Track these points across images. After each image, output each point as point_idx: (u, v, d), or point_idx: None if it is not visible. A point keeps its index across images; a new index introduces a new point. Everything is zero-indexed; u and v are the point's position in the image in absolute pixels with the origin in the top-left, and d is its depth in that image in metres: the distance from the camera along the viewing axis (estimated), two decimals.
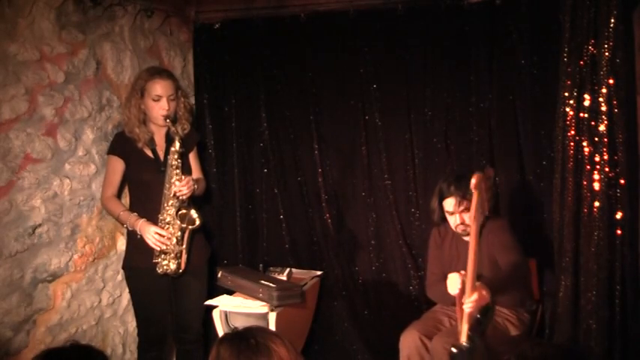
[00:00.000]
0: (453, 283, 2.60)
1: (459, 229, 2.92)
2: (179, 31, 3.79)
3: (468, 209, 2.77)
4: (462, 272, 2.55)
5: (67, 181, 3.00)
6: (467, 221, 2.84)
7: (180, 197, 3.04)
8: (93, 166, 3.14)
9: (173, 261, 3.06)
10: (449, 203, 2.91)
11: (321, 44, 3.62)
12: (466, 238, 2.90)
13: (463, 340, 2.46)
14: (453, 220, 2.93)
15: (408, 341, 2.87)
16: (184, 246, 3.08)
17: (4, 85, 2.71)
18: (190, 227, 3.08)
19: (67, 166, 3.01)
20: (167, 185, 3.04)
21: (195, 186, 3.13)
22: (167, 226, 3.04)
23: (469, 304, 2.44)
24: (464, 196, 2.82)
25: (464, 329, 2.48)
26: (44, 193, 2.88)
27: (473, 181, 2.45)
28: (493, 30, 3.30)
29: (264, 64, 3.71)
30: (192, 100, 3.72)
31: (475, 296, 2.44)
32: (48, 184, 2.91)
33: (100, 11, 3.19)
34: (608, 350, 2.51)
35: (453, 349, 2.47)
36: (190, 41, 3.84)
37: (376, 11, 3.47)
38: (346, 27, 3.53)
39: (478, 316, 2.51)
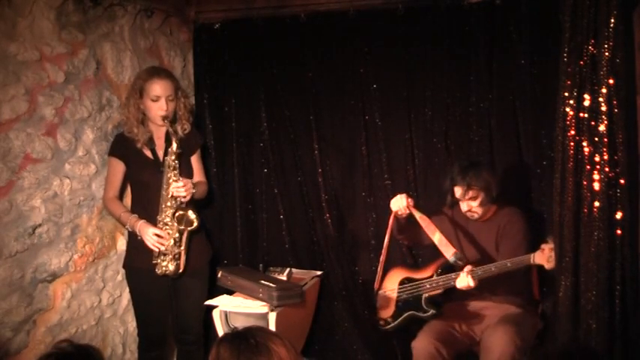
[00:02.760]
0: (397, 201, 2.96)
1: (468, 215, 3.04)
2: (179, 31, 3.79)
3: (474, 198, 2.95)
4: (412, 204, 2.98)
5: (67, 181, 3.00)
6: (474, 208, 2.98)
7: (178, 198, 3.04)
8: (93, 166, 3.14)
9: (172, 262, 3.05)
10: (457, 191, 2.99)
11: (321, 44, 3.62)
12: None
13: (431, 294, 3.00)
14: (463, 206, 3.03)
15: (422, 349, 2.86)
16: (183, 247, 3.08)
17: (4, 85, 2.71)
18: (188, 229, 3.08)
19: (67, 166, 3.01)
20: (165, 186, 3.04)
21: (195, 189, 3.12)
22: (165, 227, 3.04)
23: (464, 285, 2.80)
24: (469, 185, 2.93)
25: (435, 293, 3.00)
26: (44, 193, 2.88)
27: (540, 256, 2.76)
28: (493, 30, 3.30)
29: (264, 64, 3.71)
30: (193, 100, 3.72)
31: (472, 285, 2.79)
32: (48, 184, 2.91)
33: (100, 11, 3.19)
34: (608, 350, 2.50)
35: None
36: (190, 41, 3.84)
37: (376, 11, 3.47)
38: (346, 27, 3.53)
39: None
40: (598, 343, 2.49)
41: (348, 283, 3.65)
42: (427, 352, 2.83)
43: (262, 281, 3.11)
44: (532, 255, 2.78)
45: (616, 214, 2.47)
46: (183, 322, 3.27)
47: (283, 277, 3.42)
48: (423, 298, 3.00)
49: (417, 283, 3.08)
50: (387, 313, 3.17)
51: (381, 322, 3.17)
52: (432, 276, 3.04)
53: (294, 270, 3.59)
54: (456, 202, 3.07)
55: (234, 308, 3.13)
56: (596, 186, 2.46)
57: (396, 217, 3.05)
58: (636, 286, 2.53)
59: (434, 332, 2.92)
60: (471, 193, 2.93)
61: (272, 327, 2.97)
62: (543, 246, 2.78)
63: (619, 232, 2.47)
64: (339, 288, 3.65)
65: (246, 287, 3.16)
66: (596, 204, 2.47)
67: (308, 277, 3.53)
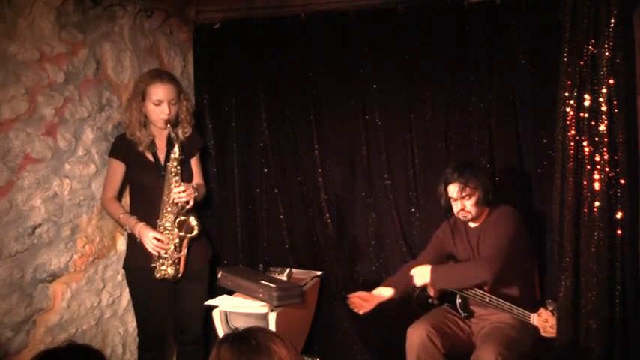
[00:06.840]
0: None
1: (460, 215, 2.99)
2: (179, 31, 3.79)
3: (469, 196, 2.92)
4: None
5: (67, 181, 3.00)
6: (468, 208, 2.94)
7: (180, 205, 3.03)
8: (93, 166, 3.14)
9: (171, 267, 3.05)
10: (452, 189, 2.96)
11: (321, 44, 3.62)
12: (472, 225, 3.05)
13: None
14: (456, 207, 2.98)
15: (416, 335, 2.87)
16: (182, 253, 3.07)
17: (4, 85, 2.71)
18: (189, 235, 3.08)
19: (67, 166, 3.01)
20: (166, 192, 3.03)
21: (196, 193, 3.12)
22: (166, 231, 3.03)
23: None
24: (466, 183, 2.91)
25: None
26: (44, 193, 2.88)
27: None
28: (493, 30, 3.30)
29: (264, 64, 3.70)
30: (192, 100, 3.71)
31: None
32: (48, 184, 2.91)
33: (100, 11, 3.18)
34: (608, 350, 2.51)
35: None
36: (190, 41, 3.84)
37: (376, 11, 3.47)
38: (346, 27, 3.53)
39: None
40: (598, 343, 2.49)
41: (348, 283, 3.65)
42: (421, 339, 2.84)
43: (262, 281, 3.12)
44: (532, 315, 2.81)
45: (616, 214, 2.48)
46: (183, 323, 3.27)
47: (283, 277, 3.43)
48: (457, 302, 3.01)
49: None
50: (434, 291, 3.14)
51: (430, 300, 3.14)
52: None
53: (294, 270, 3.59)
54: (450, 208, 3.02)
55: (234, 308, 3.13)
56: (596, 186, 2.47)
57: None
58: (636, 286, 2.53)
59: (430, 321, 2.93)
60: (467, 191, 2.91)
61: (272, 327, 2.97)
62: (541, 310, 2.80)
63: (619, 232, 2.48)
64: (339, 288, 3.65)
65: (246, 287, 3.16)
66: (596, 204, 2.47)
67: (308, 277, 3.54)
